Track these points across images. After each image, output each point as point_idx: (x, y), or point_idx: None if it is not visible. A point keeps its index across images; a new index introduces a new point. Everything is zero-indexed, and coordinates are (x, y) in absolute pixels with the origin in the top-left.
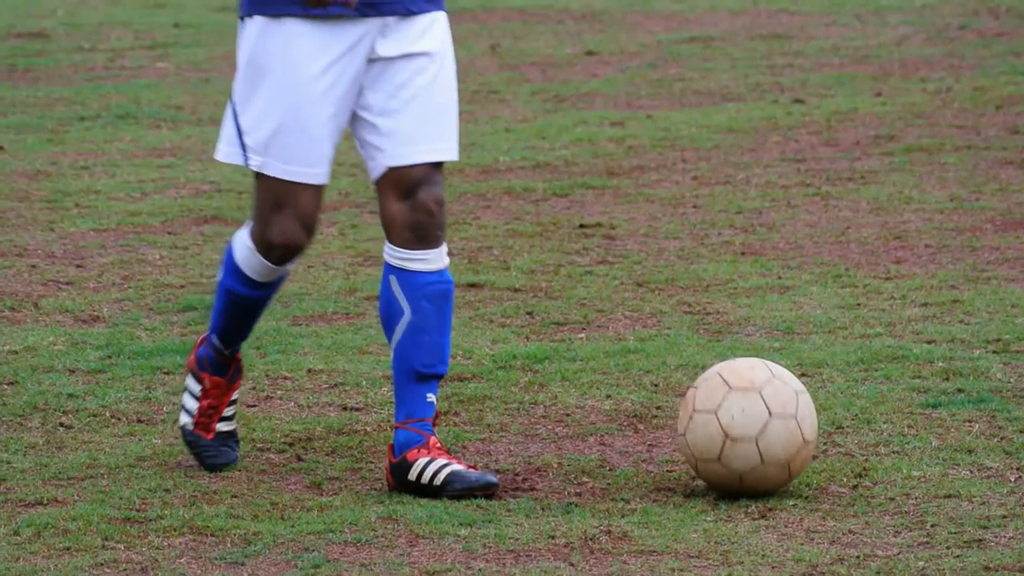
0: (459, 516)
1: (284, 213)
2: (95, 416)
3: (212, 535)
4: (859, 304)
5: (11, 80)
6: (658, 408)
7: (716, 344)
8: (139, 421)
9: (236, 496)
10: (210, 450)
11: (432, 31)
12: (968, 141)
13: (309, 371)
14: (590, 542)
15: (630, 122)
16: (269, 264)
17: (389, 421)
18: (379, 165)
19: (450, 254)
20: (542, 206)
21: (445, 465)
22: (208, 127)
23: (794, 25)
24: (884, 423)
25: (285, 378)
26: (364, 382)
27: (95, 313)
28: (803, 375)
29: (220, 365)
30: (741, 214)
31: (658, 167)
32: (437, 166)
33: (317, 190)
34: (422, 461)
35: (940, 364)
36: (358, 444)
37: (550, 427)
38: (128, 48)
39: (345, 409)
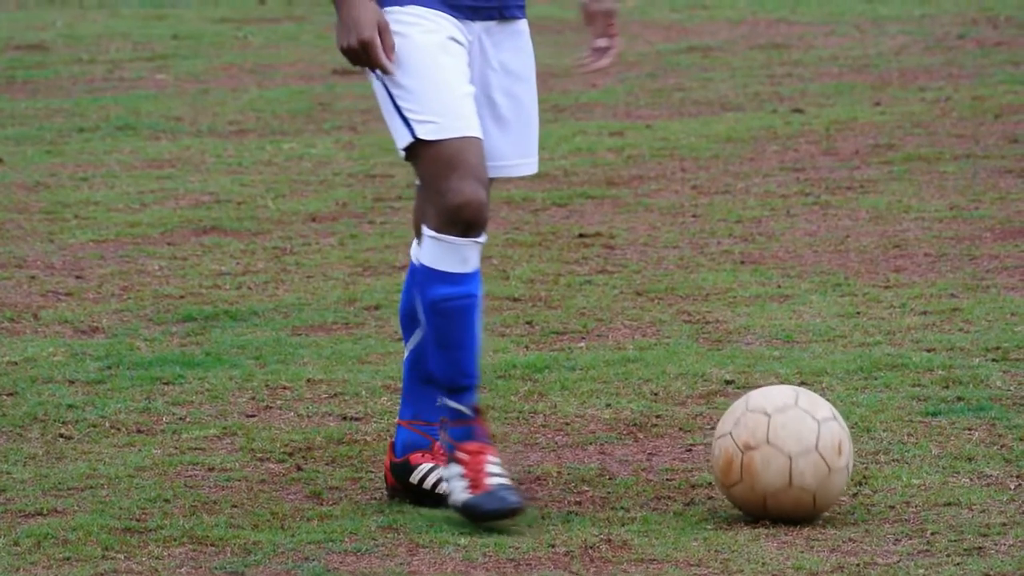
0: (459, 525)
1: (459, 173)
2: (95, 427)
3: (212, 545)
4: (859, 313)
5: (10, 92)
6: (658, 417)
7: (716, 353)
8: (139, 431)
9: (236, 506)
10: (489, 504)
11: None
12: (967, 150)
13: (309, 381)
14: (590, 551)
15: (629, 132)
16: (459, 239)
17: (389, 431)
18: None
19: None
20: (541, 216)
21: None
22: (207, 138)
23: (793, 35)
24: (884, 431)
25: (285, 388)
26: (364, 392)
27: (94, 324)
28: (803, 383)
29: (468, 429)
30: (740, 223)
31: (657, 177)
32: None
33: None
34: (426, 466)
35: (940, 372)
36: (358, 454)
37: (550, 436)
38: (127, 60)
39: (345, 419)
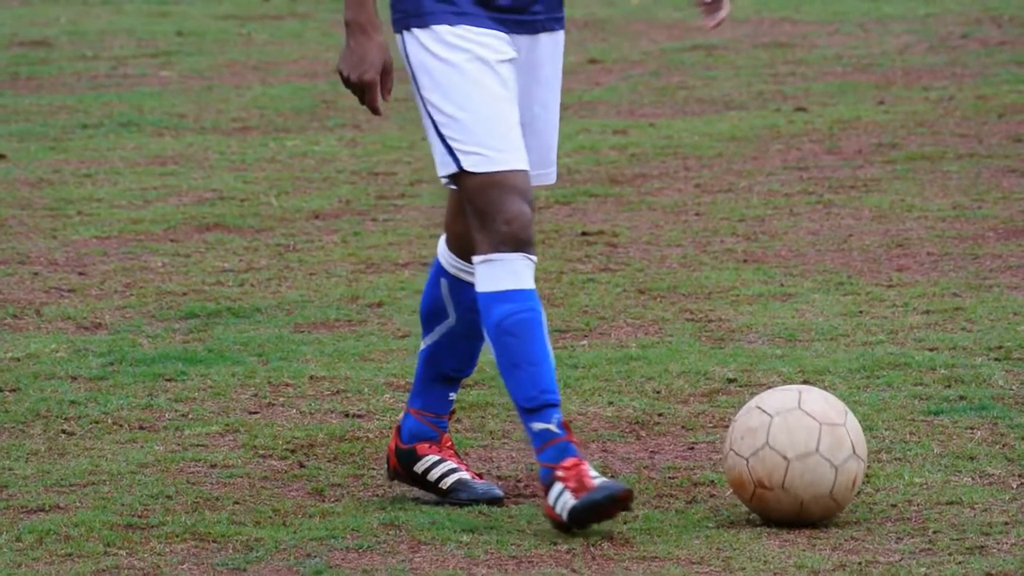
0: (461, 522)
1: (506, 194)
2: (97, 423)
3: (214, 541)
4: (861, 311)
5: (14, 88)
6: (660, 415)
7: (718, 351)
8: (141, 428)
9: (238, 502)
10: (599, 494)
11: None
12: (970, 149)
13: (311, 378)
14: (592, 548)
15: (633, 130)
16: (512, 255)
17: (391, 428)
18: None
19: None
20: (545, 214)
21: (454, 470)
22: (210, 135)
23: (797, 34)
24: (886, 430)
25: (287, 385)
26: (366, 389)
27: (97, 320)
28: (805, 382)
29: (561, 447)
30: (743, 222)
31: (660, 175)
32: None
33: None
34: (432, 458)
35: (942, 371)
36: (360, 451)
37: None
38: (131, 56)
39: (347, 416)
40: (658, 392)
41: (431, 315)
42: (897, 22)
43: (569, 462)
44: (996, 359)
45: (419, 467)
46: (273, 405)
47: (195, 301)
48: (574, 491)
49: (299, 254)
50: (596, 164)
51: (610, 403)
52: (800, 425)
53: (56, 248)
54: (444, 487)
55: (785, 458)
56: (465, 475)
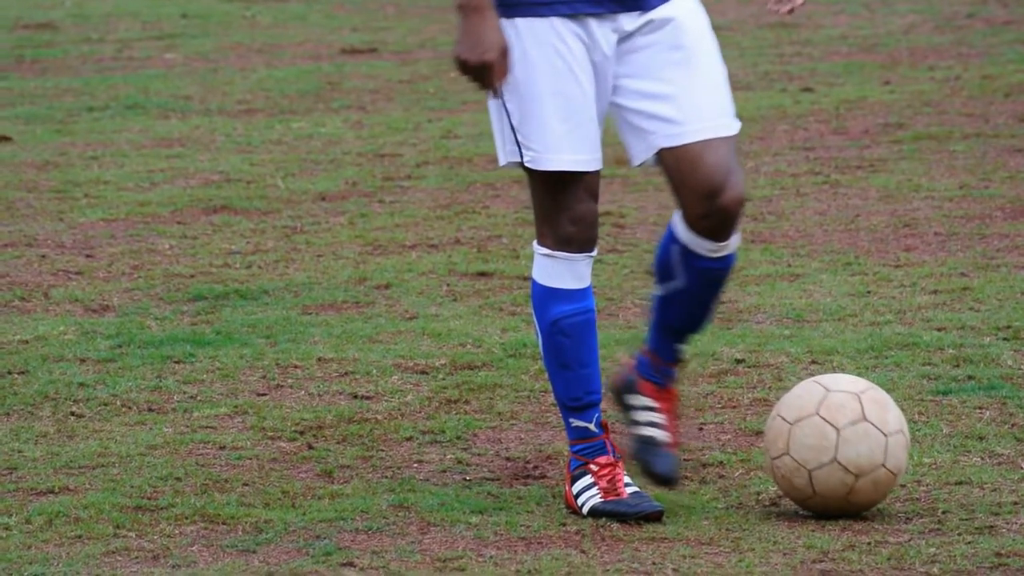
0: (471, 504)
1: (569, 192)
2: (105, 405)
3: (223, 523)
4: (869, 292)
5: (19, 71)
6: None
7: (726, 332)
8: (150, 410)
9: (247, 484)
10: (630, 504)
11: None
12: (977, 129)
13: (319, 360)
14: (601, 529)
15: None
16: (573, 255)
17: (400, 409)
18: (649, 147)
19: (459, 243)
20: None
21: (654, 424)
22: (216, 117)
23: (803, 14)
24: None
25: (295, 367)
26: (374, 371)
27: (105, 303)
28: (813, 363)
29: (597, 445)
30: (750, 202)
31: None
32: (727, 141)
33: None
34: (644, 400)
35: (950, 351)
36: (369, 432)
37: (560, 415)
38: (136, 39)
39: (355, 398)
40: None
41: (662, 272)
42: (902, 2)
43: (603, 460)
44: (1004, 339)
45: (628, 400)
46: (281, 387)
47: (203, 283)
48: (604, 491)
49: (306, 236)
50: (603, 145)
51: None
52: (868, 447)
53: (63, 230)
54: (634, 433)
55: (853, 473)
56: (659, 436)
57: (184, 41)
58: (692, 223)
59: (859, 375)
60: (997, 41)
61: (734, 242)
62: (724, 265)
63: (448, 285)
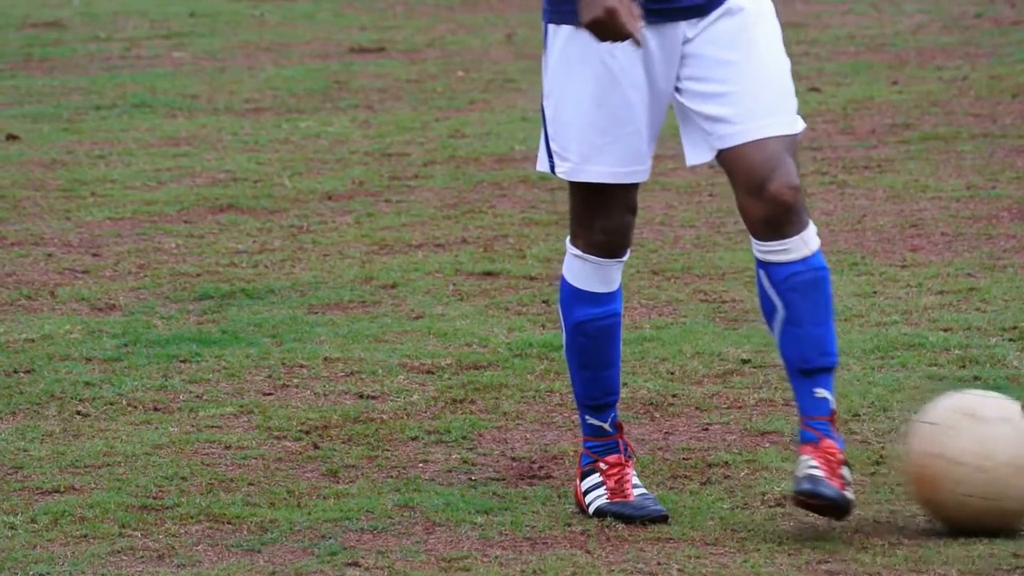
0: (475, 504)
1: (602, 201)
2: (111, 404)
3: (229, 523)
4: (875, 292)
5: (27, 69)
6: (674, 396)
7: (732, 332)
8: (155, 409)
9: (252, 484)
10: (635, 507)
11: None
12: (984, 129)
13: (325, 359)
14: (606, 529)
15: None
16: (604, 260)
17: (405, 409)
18: (706, 150)
19: (465, 243)
20: (558, 194)
21: (816, 472)
22: (224, 116)
23: (810, 13)
24: (900, 410)
25: (301, 366)
26: (380, 370)
27: (111, 302)
28: None
29: (610, 444)
30: None
31: (674, 155)
32: (781, 140)
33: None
34: (808, 460)
35: (956, 352)
36: (374, 432)
37: (566, 415)
38: (144, 37)
39: (361, 397)
40: (672, 373)
41: (765, 310)
42: (910, 2)
43: (613, 459)
44: (1010, 339)
45: (801, 471)
46: (287, 386)
47: (209, 282)
48: (610, 492)
49: (312, 235)
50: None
51: (624, 384)
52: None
53: (70, 229)
54: (798, 481)
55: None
56: (820, 473)
57: (192, 40)
58: (753, 228)
59: (865, 375)
60: (1005, 41)
61: (806, 239)
62: (806, 267)
63: (454, 285)
